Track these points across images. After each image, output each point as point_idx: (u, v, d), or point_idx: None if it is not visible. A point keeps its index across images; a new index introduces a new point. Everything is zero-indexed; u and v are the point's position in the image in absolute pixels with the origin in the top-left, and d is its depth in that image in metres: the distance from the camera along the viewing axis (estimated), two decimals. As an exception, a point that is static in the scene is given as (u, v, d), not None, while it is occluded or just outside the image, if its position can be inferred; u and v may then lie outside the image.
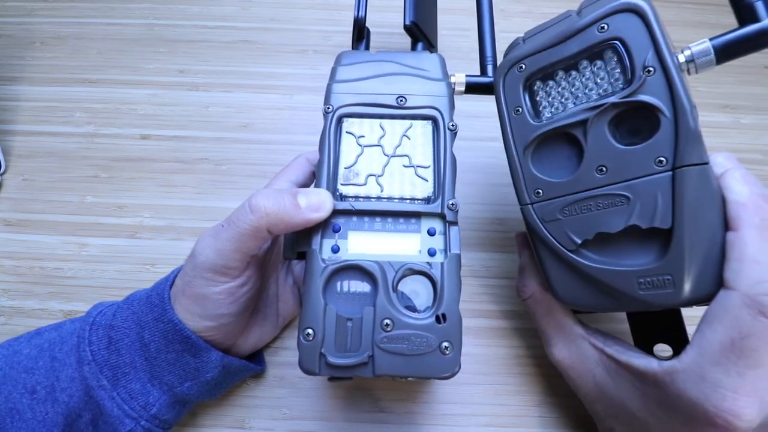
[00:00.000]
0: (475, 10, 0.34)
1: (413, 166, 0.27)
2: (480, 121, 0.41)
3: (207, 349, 0.26)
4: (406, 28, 0.31)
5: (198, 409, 0.31)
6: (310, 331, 0.23)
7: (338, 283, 0.24)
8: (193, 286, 0.25)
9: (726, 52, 0.23)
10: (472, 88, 0.31)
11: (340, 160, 0.27)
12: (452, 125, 0.27)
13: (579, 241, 0.24)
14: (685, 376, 0.21)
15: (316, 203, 0.24)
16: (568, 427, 0.31)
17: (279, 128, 0.41)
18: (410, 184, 0.26)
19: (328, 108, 0.27)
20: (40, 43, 0.45)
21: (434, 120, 0.27)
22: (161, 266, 0.36)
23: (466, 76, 0.31)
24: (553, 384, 0.32)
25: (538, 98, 0.26)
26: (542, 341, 0.29)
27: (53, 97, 0.42)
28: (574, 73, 0.25)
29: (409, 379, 0.24)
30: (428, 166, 0.27)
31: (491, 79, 0.31)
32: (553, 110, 0.26)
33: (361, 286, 0.24)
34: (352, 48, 0.33)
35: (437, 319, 0.23)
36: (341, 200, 0.26)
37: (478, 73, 0.32)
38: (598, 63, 0.25)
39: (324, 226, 0.25)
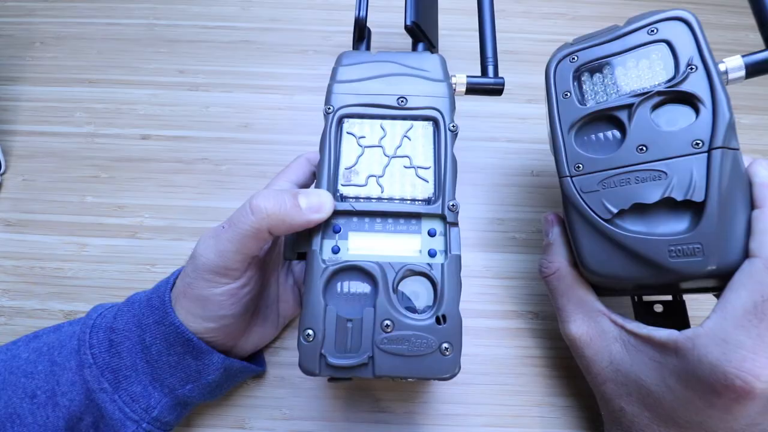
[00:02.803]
0: (476, 10, 0.34)
1: (414, 167, 0.27)
2: (480, 121, 0.41)
3: (208, 352, 0.26)
4: (407, 29, 0.31)
5: (198, 409, 0.31)
6: (310, 331, 0.23)
7: (338, 284, 0.24)
8: (194, 287, 0.25)
9: (755, 69, 0.26)
10: (473, 89, 0.31)
11: (340, 160, 0.27)
12: (453, 126, 0.27)
13: (615, 211, 0.26)
14: (707, 340, 0.22)
15: (317, 204, 0.24)
16: (568, 427, 0.31)
17: (279, 128, 0.41)
18: (411, 185, 0.26)
19: (329, 108, 0.27)
20: (40, 43, 0.45)
21: (435, 121, 0.27)
22: (161, 266, 0.36)
23: (467, 76, 0.31)
24: (553, 384, 0.32)
25: (584, 88, 0.29)
26: (559, 319, 0.29)
27: (53, 97, 0.42)
28: (620, 68, 0.28)
29: (409, 379, 0.24)
30: (429, 167, 0.27)
31: (492, 79, 0.31)
32: (598, 99, 0.29)
33: (362, 287, 0.24)
34: (353, 48, 0.33)
35: (437, 320, 0.23)
36: (342, 201, 0.26)
37: (479, 74, 0.32)
38: (644, 62, 0.28)
39: (324, 227, 0.25)
